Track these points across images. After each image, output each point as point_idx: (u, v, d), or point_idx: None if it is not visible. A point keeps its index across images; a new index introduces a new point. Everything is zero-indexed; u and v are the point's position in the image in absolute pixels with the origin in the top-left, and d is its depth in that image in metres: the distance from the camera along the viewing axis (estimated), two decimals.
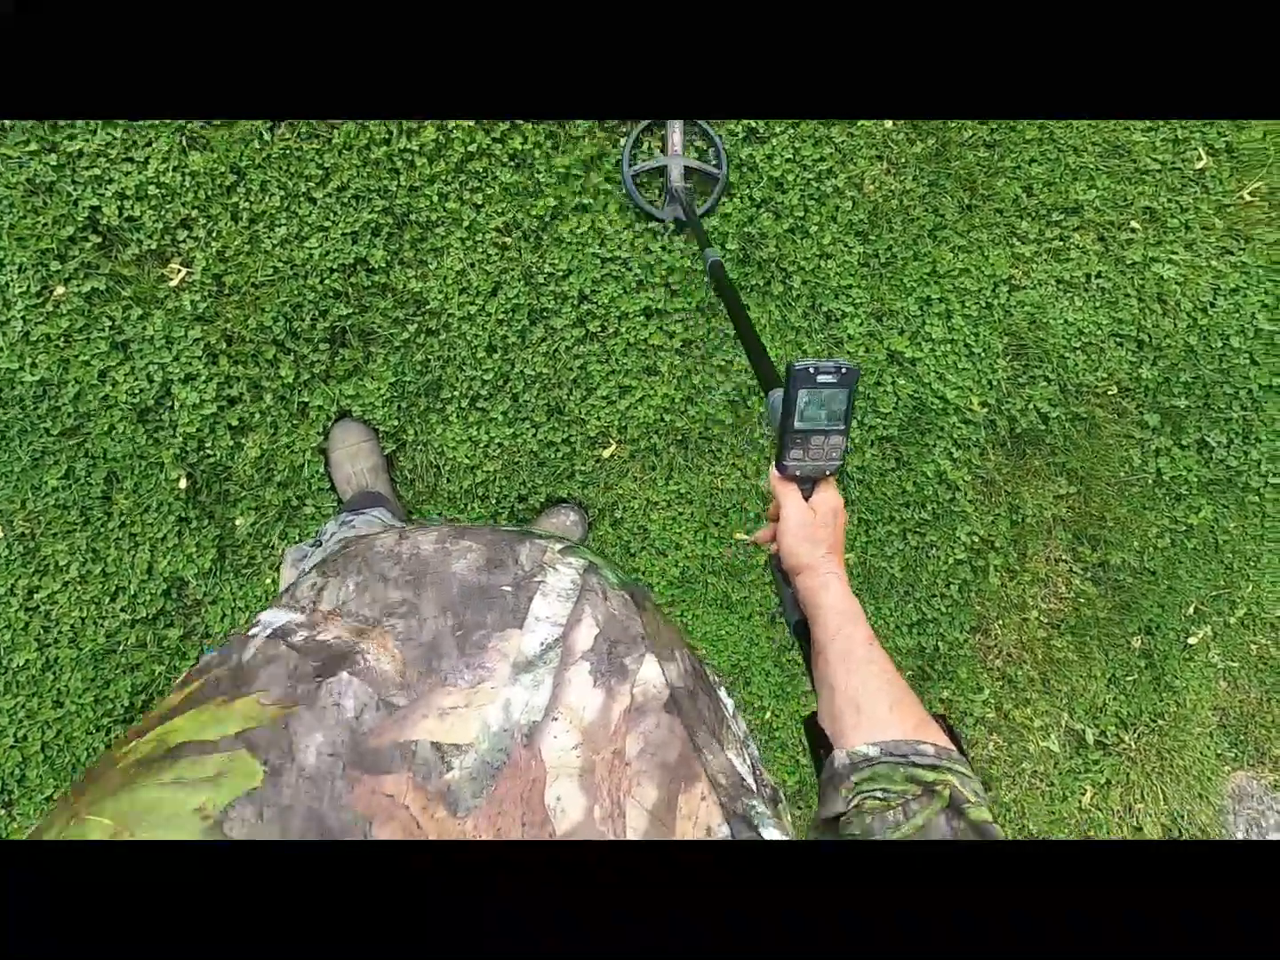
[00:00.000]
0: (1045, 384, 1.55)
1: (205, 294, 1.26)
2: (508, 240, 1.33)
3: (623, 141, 1.35)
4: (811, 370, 0.61)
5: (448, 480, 1.40)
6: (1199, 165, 1.52)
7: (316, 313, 1.29)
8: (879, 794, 0.47)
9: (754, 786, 0.43)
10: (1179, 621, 1.67)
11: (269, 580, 1.36)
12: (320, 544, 0.94)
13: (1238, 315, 1.58)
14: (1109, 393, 1.58)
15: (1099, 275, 1.53)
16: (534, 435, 1.40)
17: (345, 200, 1.27)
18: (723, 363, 1.43)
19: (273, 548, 1.36)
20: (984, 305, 1.50)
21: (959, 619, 1.59)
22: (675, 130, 1.34)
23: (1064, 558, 1.62)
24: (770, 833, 0.38)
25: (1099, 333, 1.55)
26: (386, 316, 1.32)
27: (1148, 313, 1.56)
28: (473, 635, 0.41)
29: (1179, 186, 1.53)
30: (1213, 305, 1.57)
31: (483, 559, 0.47)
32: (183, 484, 1.29)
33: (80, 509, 1.28)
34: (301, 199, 1.27)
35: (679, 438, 1.45)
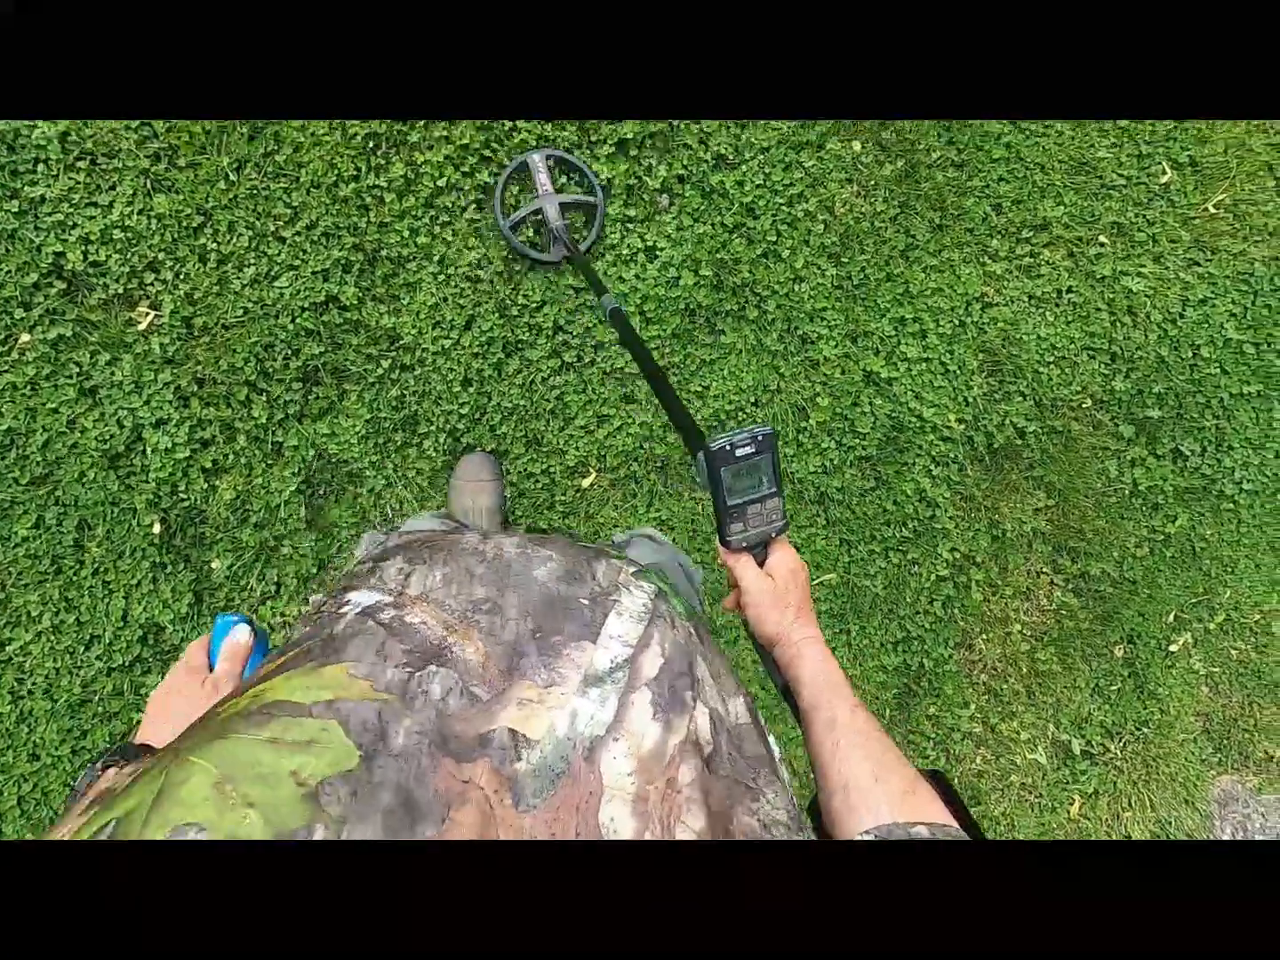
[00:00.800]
0: (1021, 399, 1.56)
1: (174, 337, 1.24)
2: (480, 274, 1.33)
3: (494, 189, 1.31)
4: (728, 447, 0.61)
5: (424, 507, 1.39)
6: (1163, 180, 1.54)
7: (289, 352, 1.28)
8: None
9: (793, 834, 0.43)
10: (1160, 629, 1.68)
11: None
12: (398, 536, 0.95)
13: (1207, 325, 1.60)
14: (1084, 406, 1.59)
15: (1070, 290, 1.55)
16: (513, 467, 1.39)
17: (315, 238, 1.27)
18: (699, 388, 1.43)
19: (250, 589, 1.34)
20: (958, 323, 1.51)
21: (943, 635, 1.59)
22: (540, 170, 1.31)
23: (1045, 570, 1.63)
24: None
25: (1072, 347, 1.57)
26: (360, 353, 1.31)
27: (1119, 325, 1.58)
28: (550, 640, 0.43)
29: (1145, 201, 1.55)
30: (1182, 316, 1.59)
31: (562, 569, 0.49)
32: (156, 529, 1.28)
33: (51, 558, 1.26)
34: (270, 238, 1.26)
35: (659, 464, 1.45)
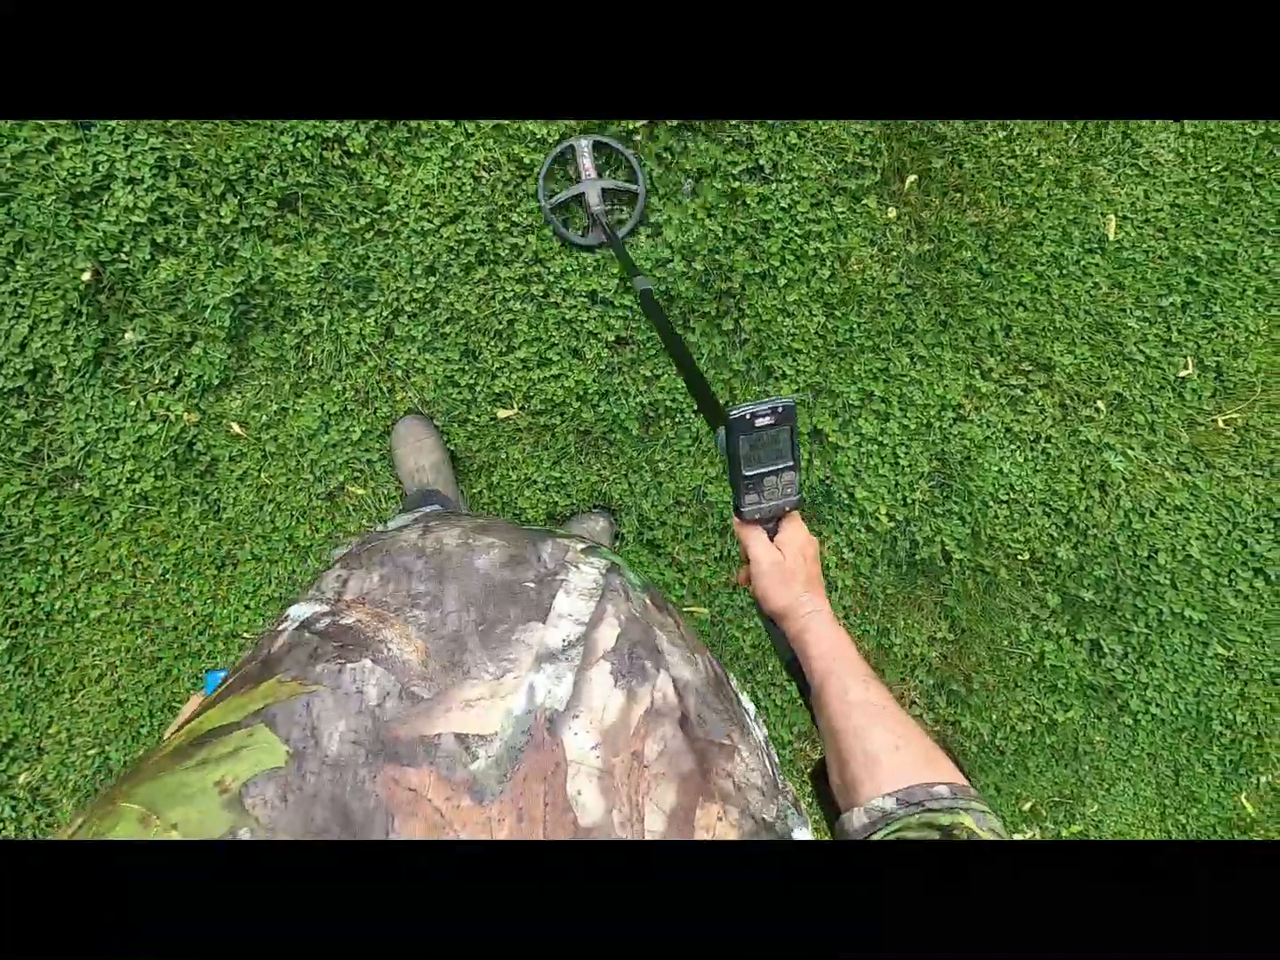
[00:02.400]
0: (959, 523, 1.50)
1: None
2: (484, 176, 1.33)
3: (537, 172, 1.33)
4: (749, 416, 0.62)
5: (346, 375, 1.37)
6: (1183, 373, 1.49)
7: (279, 169, 1.29)
8: None
9: (776, 793, 0.43)
10: (1011, 813, 1.58)
11: (133, 403, 1.34)
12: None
13: (1173, 534, 1.53)
14: (1020, 557, 1.52)
15: (1049, 440, 1.49)
16: (440, 370, 1.38)
17: None
18: (649, 374, 1.41)
19: (150, 373, 1.34)
20: (924, 423, 1.46)
21: (790, 719, 1.52)
22: (585, 155, 1.32)
23: (917, 701, 1.55)
24: (803, 833, 0.40)
25: (1030, 495, 1.50)
26: (344, 201, 1.32)
27: (1084, 496, 1.51)
28: (496, 629, 0.41)
29: (1156, 386, 1.49)
30: (1152, 514, 1.52)
31: (505, 555, 0.47)
32: (86, 276, 1.28)
33: None
34: None
35: (581, 428, 1.42)
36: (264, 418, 1.37)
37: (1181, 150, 1.44)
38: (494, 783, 0.34)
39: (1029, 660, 1.54)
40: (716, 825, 0.37)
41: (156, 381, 1.34)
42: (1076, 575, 1.53)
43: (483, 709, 0.37)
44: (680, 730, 0.40)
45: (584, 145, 1.32)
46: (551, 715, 0.37)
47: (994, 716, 1.55)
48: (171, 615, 1.40)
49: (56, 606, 1.38)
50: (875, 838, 0.47)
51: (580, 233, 1.36)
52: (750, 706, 0.51)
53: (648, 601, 0.49)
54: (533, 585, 0.45)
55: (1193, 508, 1.52)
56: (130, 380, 1.34)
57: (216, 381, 1.34)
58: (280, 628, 0.44)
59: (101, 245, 1.28)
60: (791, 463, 0.64)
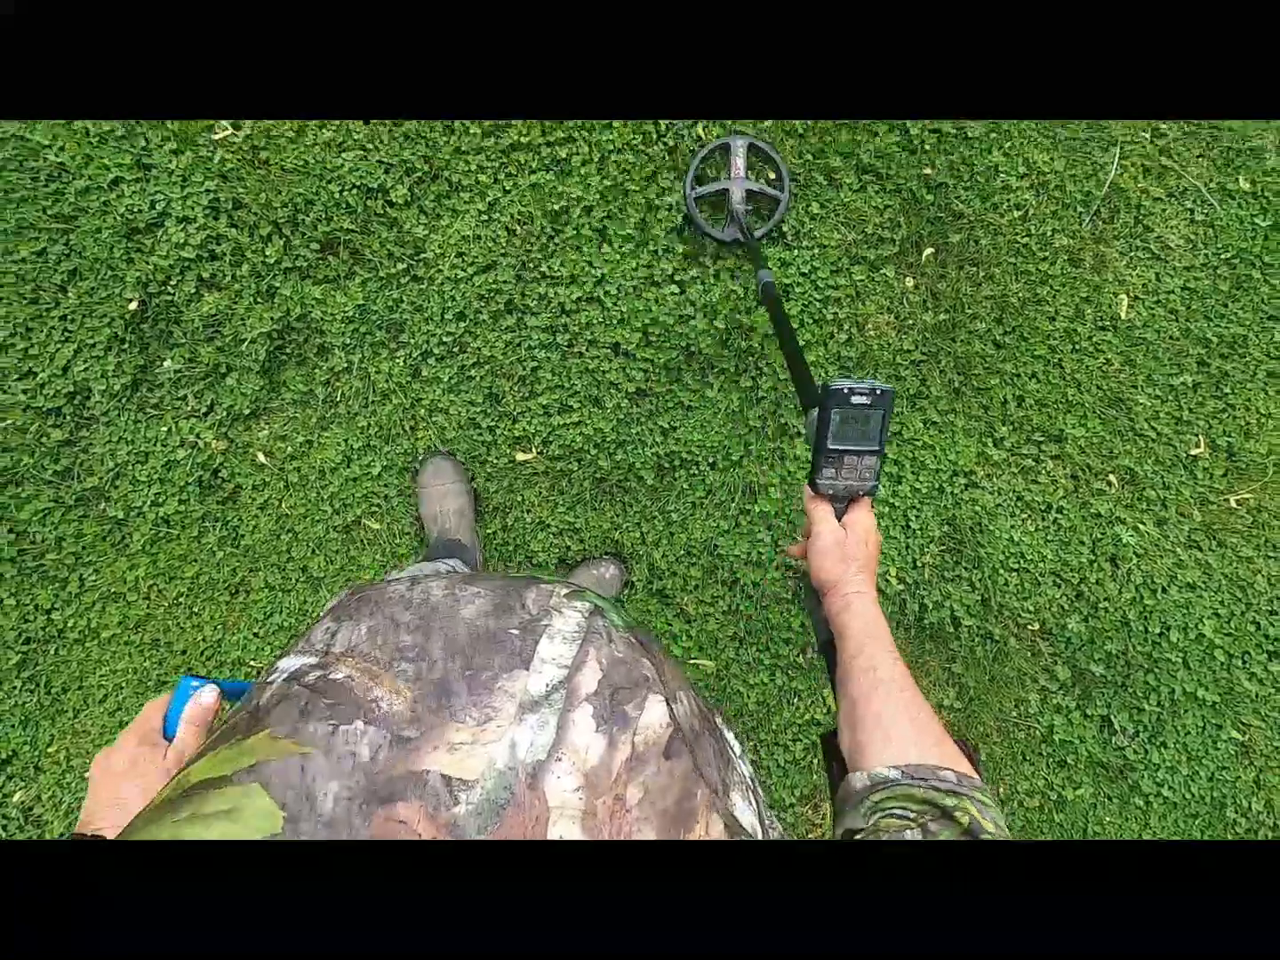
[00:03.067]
0: (969, 589, 1.50)
1: (239, 157, 1.34)
2: (518, 229, 1.39)
3: (688, 163, 1.40)
4: (846, 390, 0.63)
5: (371, 411, 1.41)
6: (1194, 451, 1.50)
7: (324, 215, 1.36)
8: (897, 812, 0.47)
9: (761, 831, 0.44)
10: None
11: (164, 429, 1.38)
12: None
13: (1185, 612, 1.51)
14: (1030, 627, 1.51)
15: (1060, 510, 1.50)
16: (463, 411, 1.41)
17: (396, 135, 1.36)
18: (666, 425, 1.44)
19: (184, 400, 1.38)
20: (936, 487, 1.48)
21: (792, 781, 1.49)
22: (739, 154, 1.39)
23: None
24: None
25: (1041, 565, 1.50)
26: (384, 247, 1.38)
27: (1095, 568, 1.51)
28: (481, 676, 0.42)
29: (1168, 463, 1.50)
30: (1164, 591, 1.51)
31: (490, 604, 0.48)
32: (133, 306, 1.34)
33: (35, 286, 1.33)
34: None
35: (597, 474, 1.44)
36: (289, 449, 1.40)
37: (1192, 236, 1.49)
38: (474, 831, 0.34)
39: (1038, 733, 1.52)
40: None
41: (189, 409, 1.39)
42: (1087, 648, 1.51)
43: (465, 753, 0.37)
44: (662, 766, 0.40)
45: (739, 144, 1.39)
46: (534, 768, 0.37)
47: (1001, 790, 1.52)
48: (181, 639, 1.41)
49: (70, 624, 1.40)
50: (875, 797, 0.48)
51: (716, 226, 1.41)
52: (736, 745, 0.52)
53: (632, 640, 0.49)
54: (516, 633, 0.45)
55: (1205, 586, 1.51)
56: (164, 406, 1.39)
57: (247, 411, 1.39)
58: (269, 679, 0.45)
59: (150, 278, 1.34)
60: (877, 448, 0.65)
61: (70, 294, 1.33)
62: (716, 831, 0.39)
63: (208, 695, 0.60)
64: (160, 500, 1.38)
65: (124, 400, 1.37)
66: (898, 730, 0.52)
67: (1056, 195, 1.46)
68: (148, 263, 1.33)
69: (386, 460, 1.42)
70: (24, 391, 1.35)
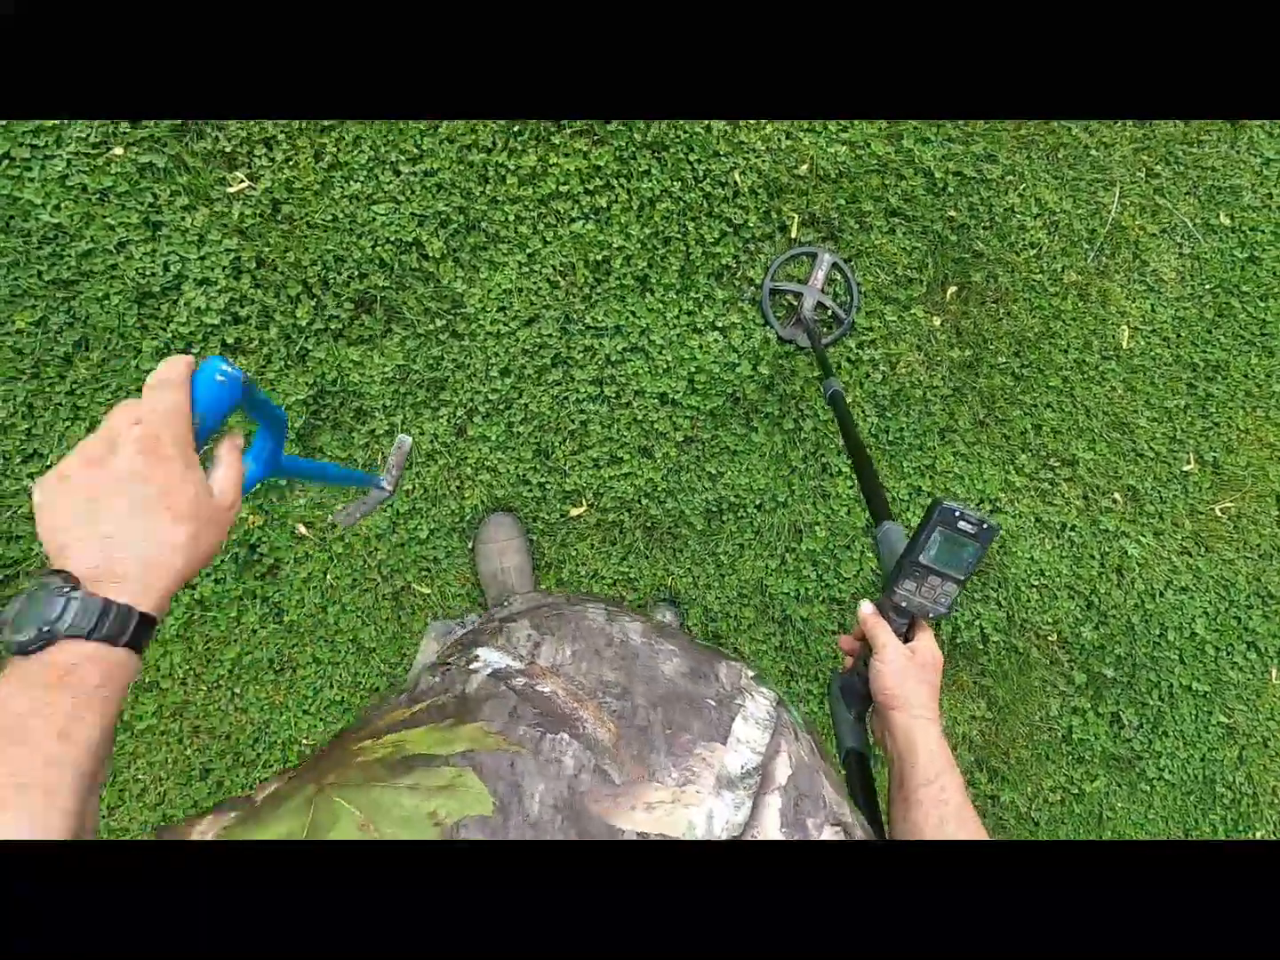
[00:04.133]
0: (996, 607, 1.59)
1: (258, 212, 1.25)
2: (561, 280, 1.36)
3: (776, 255, 1.43)
4: (957, 514, 0.62)
5: (416, 473, 1.36)
6: (1186, 468, 1.64)
7: (356, 272, 1.28)
8: None
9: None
10: None
11: None
12: (465, 625, 0.95)
13: (1180, 613, 1.66)
14: (1050, 638, 1.63)
15: (1073, 529, 1.61)
16: (514, 469, 1.38)
17: (428, 184, 1.29)
18: (714, 471, 1.45)
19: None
20: None
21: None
22: (822, 266, 1.43)
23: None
24: None
25: (1057, 580, 1.61)
26: (420, 303, 1.32)
27: (1104, 579, 1.63)
28: (680, 737, 0.42)
29: (1165, 479, 1.64)
30: (1161, 595, 1.65)
31: (687, 666, 0.49)
32: None
33: (36, 360, 1.21)
34: (387, 166, 1.29)
35: (648, 524, 1.44)
36: (328, 516, 1.34)
37: (1181, 269, 1.61)
38: None
39: (1059, 734, 1.64)
40: None
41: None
42: (1099, 653, 1.64)
43: (664, 813, 0.38)
44: None
45: (826, 258, 1.42)
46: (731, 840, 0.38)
47: (1029, 789, 1.64)
48: (225, 723, 1.34)
49: None
50: None
51: (782, 322, 1.44)
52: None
53: (813, 745, 0.50)
54: (713, 703, 0.47)
55: (1195, 589, 1.67)
56: None
57: (282, 481, 1.31)
58: (473, 668, 0.46)
59: (170, 346, 1.23)
60: (962, 577, 0.63)
61: (78, 367, 1.22)
62: None
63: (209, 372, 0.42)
64: (193, 582, 1.29)
65: None
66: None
67: (1065, 233, 1.54)
68: (166, 330, 1.23)
69: (434, 523, 1.37)
70: (30, 475, 1.23)
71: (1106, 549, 1.63)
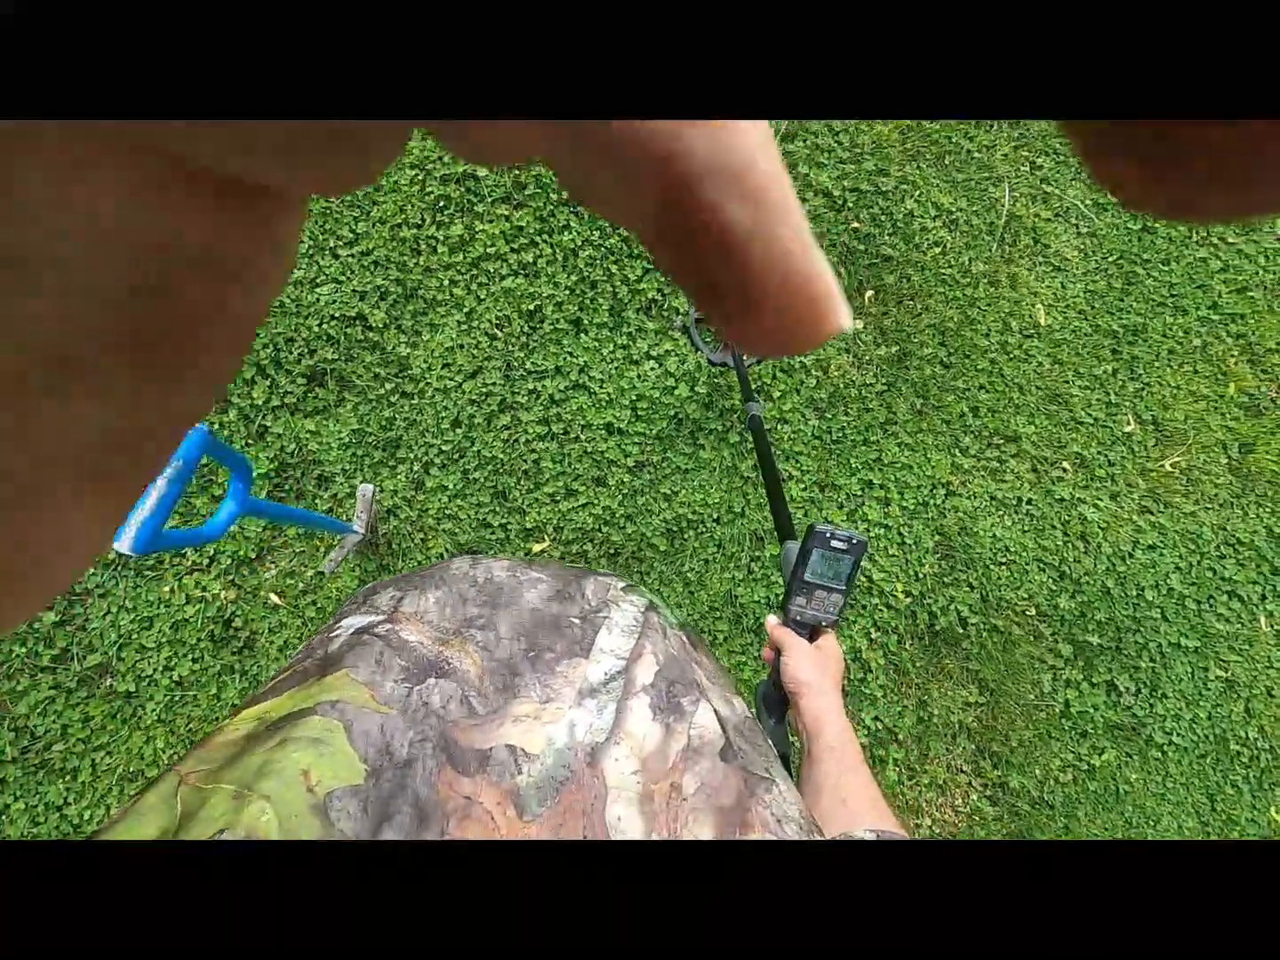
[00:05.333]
0: (968, 589, 1.61)
1: None
2: (499, 333, 1.45)
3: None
4: (829, 534, 0.71)
5: (379, 530, 1.41)
6: (1127, 429, 1.69)
7: (305, 350, 1.38)
8: None
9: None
10: None
11: (167, 589, 1.33)
12: None
13: (1153, 570, 1.68)
14: (1028, 613, 1.64)
15: (1029, 501, 1.65)
16: (474, 514, 1.43)
17: (365, 263, 1.40)
18: (668, 491, 1.50)
19: (183, 556, 1.35)
20: (921, 502, 1.60)
21: None
22: None
23: (964, 769, 1.59)
24: None
25: (1024, 554, 1.64)
26: (369, 370, 1.41)
27: (1070, 548, 1.66)
28: (544, 656, 0.44)
29: (1108, 442, 1.69)
30: (1131, 556, 1.67)
31: (552, 590, 0.50)
32: None
33: None
34: (327, 252, 1.40)
35: (611, 550, 1.49)
36: (300, 584, 1.38)
37: (1081, 247, 1.71)
38: (534, 804, 0.35)
39: (1056, 710, 1.63)
40: None
41: (190, 563, 1.35)
42: (1080, 622, 1.65)
43: (528, 727, 0.39)
44: (719, 763, 0.41)
45: None
46: (593, 749, 0.39)
47: (1037, 771, 1.61)
48: None
49: (86, 816, 1.30)
50: None
51: (711, 347, 1.49)
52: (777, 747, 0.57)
53: (684, 639, 0.51)
54: (577, 621, 0.47)
55: (1163, 545, 1.69)
56: (164, 566, 1.34)
57: (252, 555, 1.36)
58: (334, 634, 0.46)
59: None
60: (844, 588, 0.72)
61: None
62: (768, 832, 0.41)
63: None
64: (171, 664, 1.32)
65: (118, 568, 1.32)
66: (861, 808, 0.58)
67: (966, 229, 1.65)
68: None
69: None
70: None
71: (1066, 517, 1.66)
